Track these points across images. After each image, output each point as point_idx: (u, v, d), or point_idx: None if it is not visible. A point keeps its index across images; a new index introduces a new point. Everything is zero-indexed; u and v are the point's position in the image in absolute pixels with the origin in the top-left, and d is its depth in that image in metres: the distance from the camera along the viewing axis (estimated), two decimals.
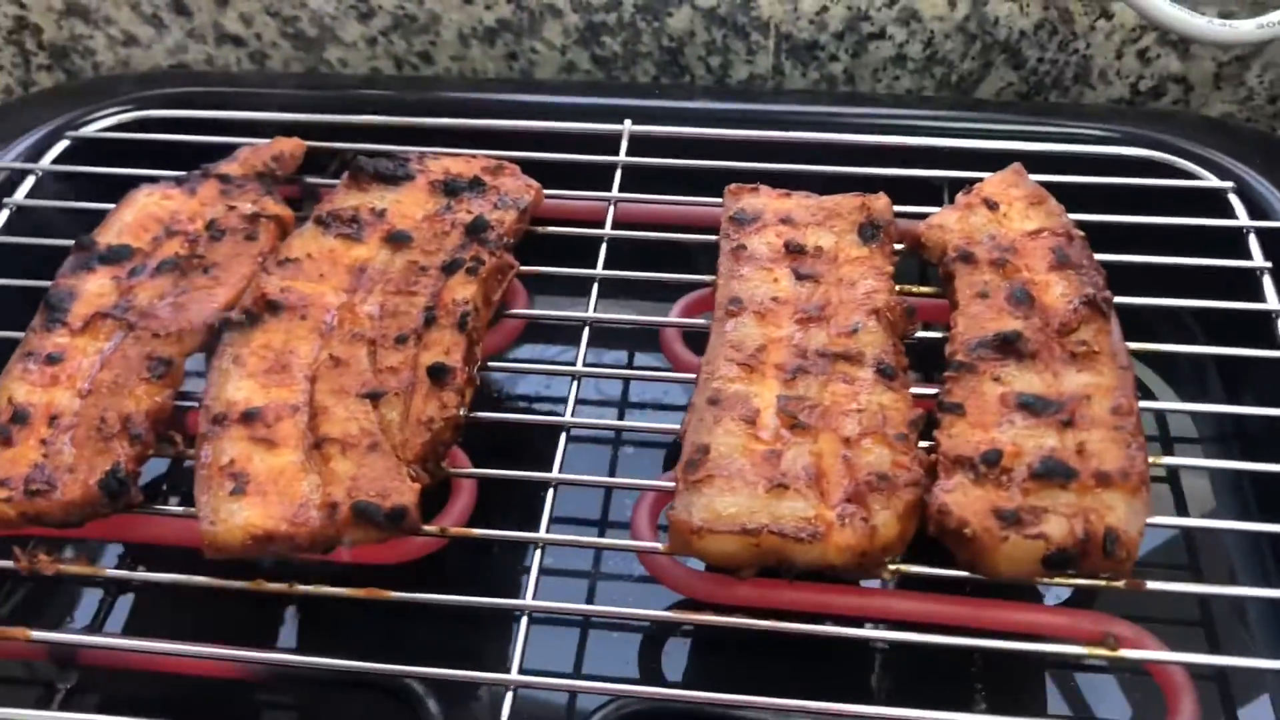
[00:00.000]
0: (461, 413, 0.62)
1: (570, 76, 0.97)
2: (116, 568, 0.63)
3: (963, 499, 0.57)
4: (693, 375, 0.66)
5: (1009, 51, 0.91)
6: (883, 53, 0.92)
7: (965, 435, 0.60)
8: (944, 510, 0.56)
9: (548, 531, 0.59)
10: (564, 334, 0.80)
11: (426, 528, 0.59)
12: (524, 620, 0.56)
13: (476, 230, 0.70)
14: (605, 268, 0.72)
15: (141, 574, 0.59)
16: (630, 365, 0.81)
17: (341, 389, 0.63)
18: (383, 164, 0.74)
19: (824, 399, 0.61)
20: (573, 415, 0.64)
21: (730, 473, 0.58)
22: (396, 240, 0.70)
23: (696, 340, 0.70)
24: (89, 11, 0.98)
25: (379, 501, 0.57)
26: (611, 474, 0.75)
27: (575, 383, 0.66)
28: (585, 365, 0.67)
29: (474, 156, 0.76)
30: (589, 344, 0.69)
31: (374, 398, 0.62)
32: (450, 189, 0.73)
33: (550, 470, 0.62)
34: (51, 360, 0.65)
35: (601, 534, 0.72)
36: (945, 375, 0.63)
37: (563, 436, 0.63)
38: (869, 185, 0.74)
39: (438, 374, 0.62)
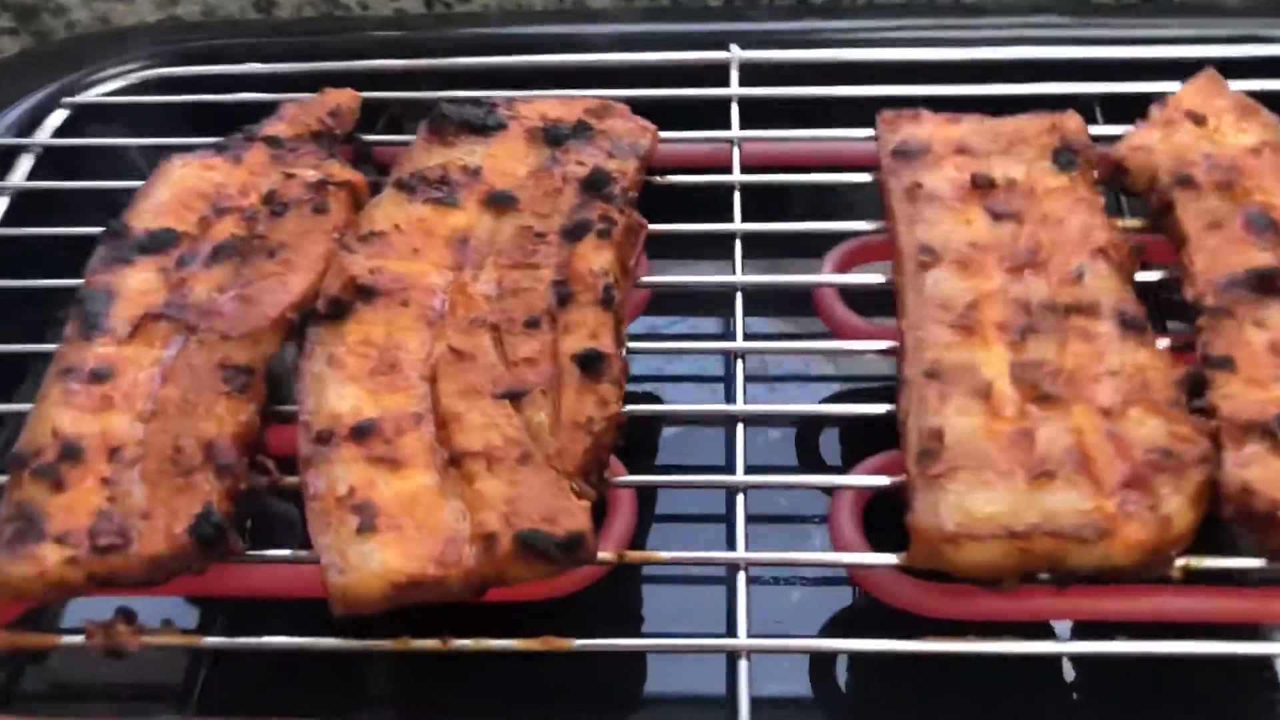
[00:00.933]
0: (623, 408, 0.51)
1: (631, 2, 0.84)
2: (201, 625, 0.50)
3: (1266, 474, 0.46)
4: (870, 344, 0.56)
5: None
6: None
7: (1243, 395, 0.49)
8: (1248, 489, 0.46)
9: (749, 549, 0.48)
10: (678, 302, 0.69)
11: (601, 555, 0.48)
12: (743, 663, 0.45)
13: (596, 185, 0.58)
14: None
15: (254, 640, 0.46)
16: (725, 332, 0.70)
17: (471, 389, 0.51)
18: (469, 111, 0.62)
19: (1065, 362, 0.50)
20: (745, 402, 0.53)
21: (977, 462, 0.47)
22: (499, 202, 0.58)
23: (854, 302, 0.60)
24: None
25: (547, 528, 0.46)
26: (729, 464, 0.63)
27: (738, 361, 0.55)
28: (745, 339, 0.56)
29: (572, 98, 0.64)
30: (707, 312, 0.58)
31: (514, 398, 0.50)
32: (552, 137, 0.61)
33: (734, 472, 0.51)
34: (98, 377, 0.52)
35: (731, 536, 0.61)
36: (1197, 323, 0.52)
37: (740, 428, 0.52)
38: (1006, 107, 0.63)
39: (590, 363, 0.51)
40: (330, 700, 0.51)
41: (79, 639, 0.46)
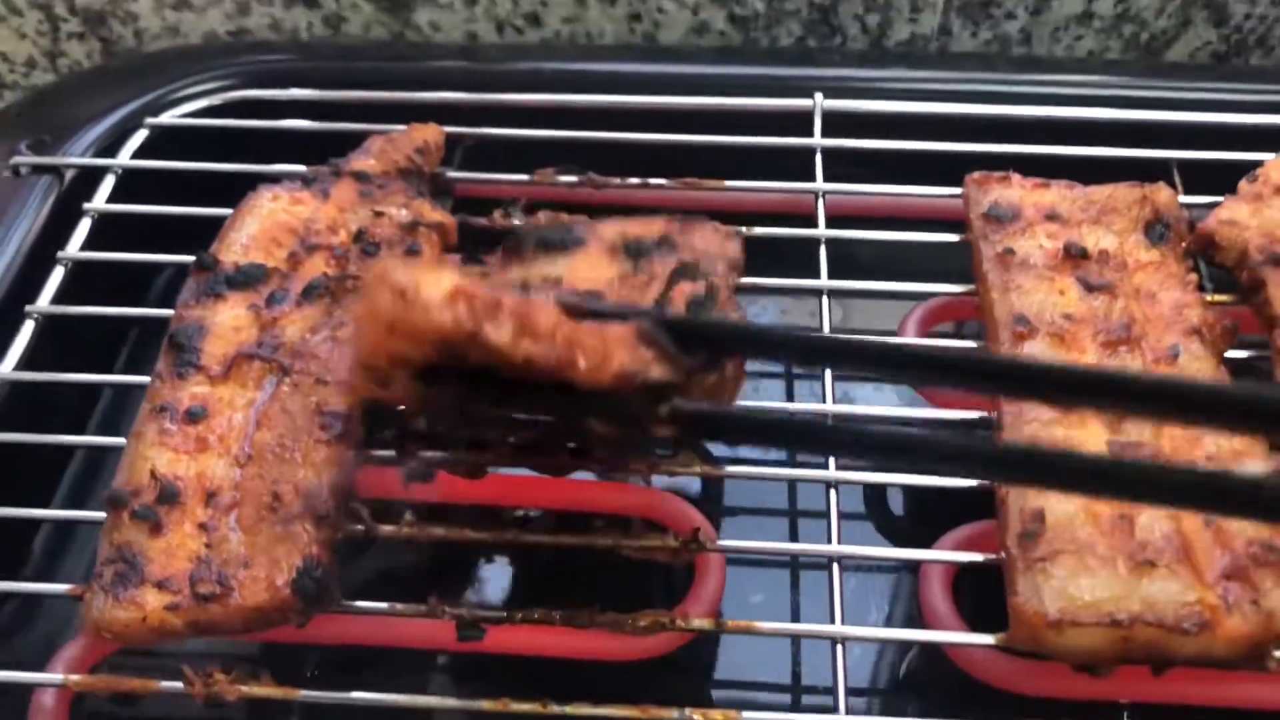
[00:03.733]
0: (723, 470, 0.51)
1: (701, 39, 0.84)
2: (311, 679, 0.50)
3: None
4: (961, 414, 0.56)
5: (1212, 7, 0.80)
6: (1067, 9, 0.81)
7: None
8: None
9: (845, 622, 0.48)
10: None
11: (696, 622, 0.48)
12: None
13: (688, 274, 0.57)
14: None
15: (350, 695, 0.46)
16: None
17: None
18: (547, 234, 0.59)
19: (1161, 444, 0.51)
20: (837, 469, 0.53)
21: (1079, 546, 0.47)
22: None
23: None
24: None
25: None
26: (794, 532, 0.63)
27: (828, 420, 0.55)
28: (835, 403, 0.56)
29: (652, 217, 0.60)
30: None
31: None
32: (634, 251, 0.59)
33: (828, 541, 0.51)
34: (193, 417, 0.52)
35: (796, 610, 0.60)
36: None
37: (832, 493, 0.52)
38: (1085, 168, 0.63)
39: None
40: None
41: (178, 685, 0.46)
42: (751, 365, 0.67)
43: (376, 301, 0.39)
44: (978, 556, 0.50)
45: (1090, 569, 0.46)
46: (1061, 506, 0.48)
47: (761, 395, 0.67)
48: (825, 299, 0.59)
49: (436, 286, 0.39)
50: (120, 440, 0.53)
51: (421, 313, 0.38)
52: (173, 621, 0.46)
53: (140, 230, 0.65)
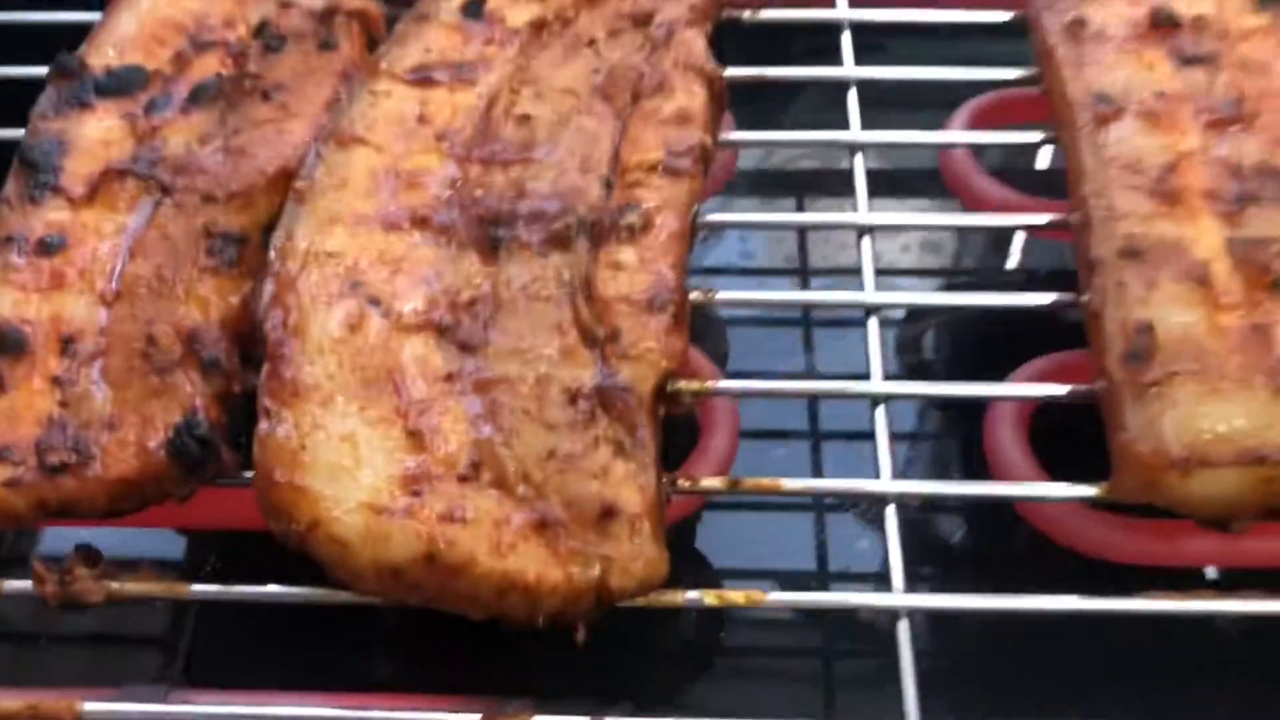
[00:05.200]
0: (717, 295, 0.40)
1: None
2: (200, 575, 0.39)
3: None
4: (1027, 218, 0.44)
5: None
6: None
7: None
8: None
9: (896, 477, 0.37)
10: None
11: (705, 482, 0.37)
12: (904, 625, 0.34)
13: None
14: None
15: (253, 589, 0.35)
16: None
17: None
18: None
19: None
20: (875, 290, 0.42)
21: (1203, 364, 0.36)
22: None
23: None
24: None
25: None
26: (810, 366, 0.52)
27: (866, 239, 0.43)
28: (871, 213, 0.44)
29: None
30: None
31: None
32: None
33: (868, 378, 0.39)
34: (47, 248, 0.40)
35: (819, 469, 0.49)
36: None
37: (873, 321, 0.41)
38: None
39: None
40: (344, 663, 0.41)
41: (25, 584, 0.35)
42: None
43: None
44: (1062, 389, 0.39)
45: (1221, 393, 0.35)
46: (1176, 316, 0.37)
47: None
48: (853, 92, 0.47)
49: None
50: None
51: None
52: (13, 501, 0.35)
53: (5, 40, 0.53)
